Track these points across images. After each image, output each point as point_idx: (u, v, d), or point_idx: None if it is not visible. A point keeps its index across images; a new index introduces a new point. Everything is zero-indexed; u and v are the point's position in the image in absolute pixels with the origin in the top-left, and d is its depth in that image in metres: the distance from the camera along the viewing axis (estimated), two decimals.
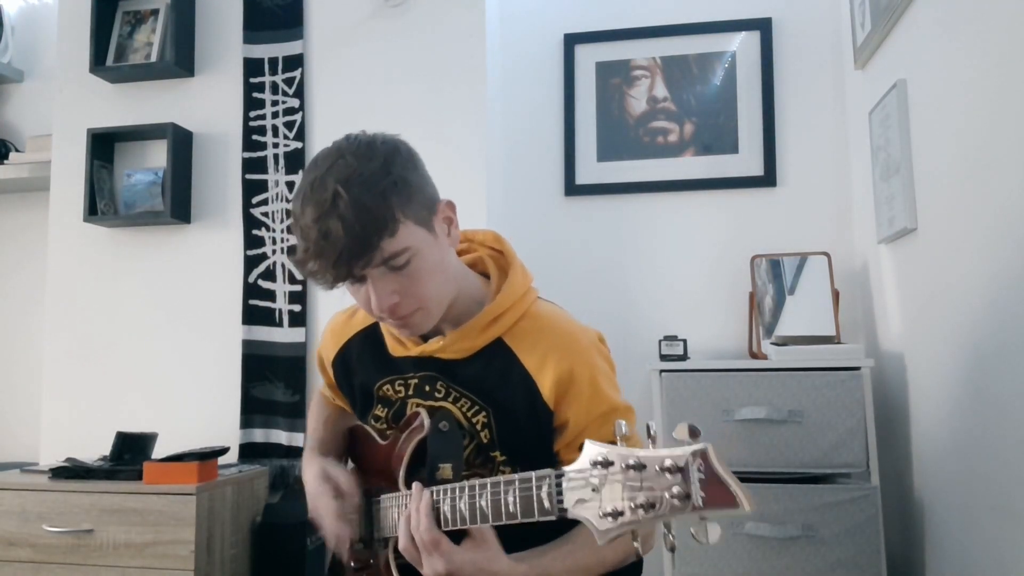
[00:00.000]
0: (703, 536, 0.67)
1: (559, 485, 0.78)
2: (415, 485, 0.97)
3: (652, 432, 0.71)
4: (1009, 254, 1.34)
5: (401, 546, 0.96)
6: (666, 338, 2.18)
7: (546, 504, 0.80)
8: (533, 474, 0.83)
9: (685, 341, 2.16)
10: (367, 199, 0.92)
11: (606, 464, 0.73)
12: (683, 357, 2.14)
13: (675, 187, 2.42)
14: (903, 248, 1.88)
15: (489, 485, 0.89)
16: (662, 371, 2.01)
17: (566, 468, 0.78)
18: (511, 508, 0.85)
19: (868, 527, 1.82)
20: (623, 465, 0.71)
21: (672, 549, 0.68)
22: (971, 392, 1.52)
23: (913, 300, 1.84)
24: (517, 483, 0.85)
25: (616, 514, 0.71)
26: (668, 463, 0.68)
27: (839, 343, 2.10)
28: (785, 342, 2.08)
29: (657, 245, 2.43)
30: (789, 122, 2.40)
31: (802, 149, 2.39)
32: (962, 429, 1.57)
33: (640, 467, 0.70)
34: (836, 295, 2.17)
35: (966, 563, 1.57)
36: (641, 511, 0.68)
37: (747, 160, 2.40)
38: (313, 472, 1.19)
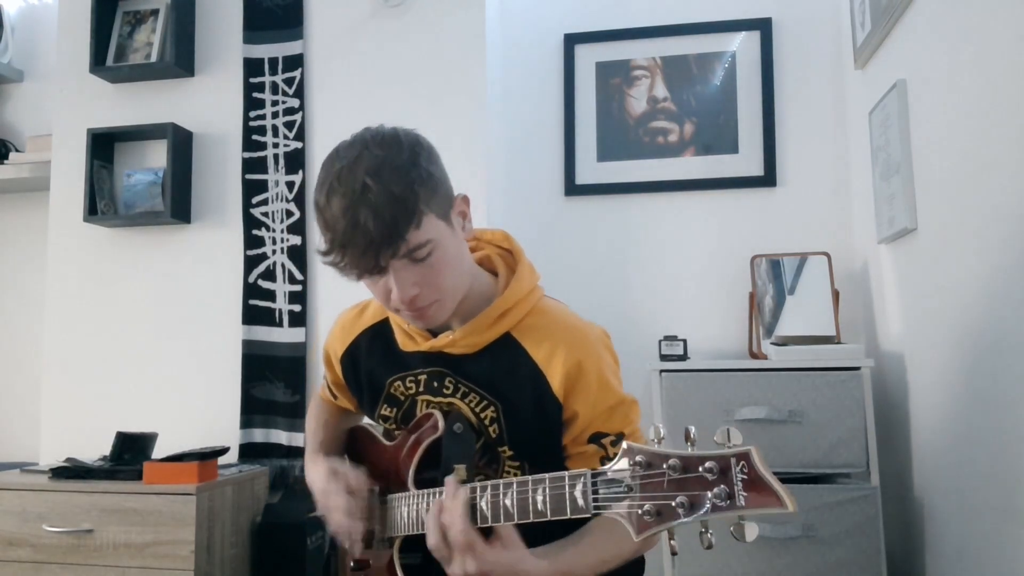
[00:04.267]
0: (740, 535, 0.69)
1: (595, 484, 0.80)
2: (449, 481, 0.95)
3: (692, 436, 0.74)
4: (1009, 254, 1.34)
5: (431, 543, 0.94)
6: (666, 338, 2.18)
7: (580, 502, 0.81)
8: (566, 473, 0.84)
9: (685, 341, 2.16)
10: (397, 189, 0.93)
11: (647, 465, 0.75)
12: (683, 357, 2.14)
13: (675, 187, 2.42)
14: (903, 248, 1.88)
15: (515, 484, 0.89)
16: (662, 371, 2.01)
17: (603, 467, 0.80)
18: (539, 507, 0.85)
19: (868, 527, 1.82)
20: (664, 466, 0.73)
21: (709, 547, 0.71)
22: (971, 392, 1.52)
23: (913, 300, 1.84)
24: (548, 481, 0.85)
25: (656, 513, 0.73)
26: (710, 464, 0.70)
27: (839, 343, 2.10)
28: (785, 342, 2.08)
29: (657, 245, 2.43)
30: (789, 122, 2.40)
31: (802, 149, 2.39)
32: (962, 429, 1.57)
33: (683, 468, 0.72)
34: (836, 295, 2.17)
35: (966, 563, 1.57)
36: (682, 510, 0.71)
37: (747, 160, 2.40)
38: (321, 470, 1.18)
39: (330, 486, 1.14)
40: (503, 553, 0.91)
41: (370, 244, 0.93)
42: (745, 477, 0.68)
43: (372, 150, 0.96)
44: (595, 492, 0.80)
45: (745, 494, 0.68)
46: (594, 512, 0.80)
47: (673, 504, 0.72)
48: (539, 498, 0.86)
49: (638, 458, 0.75)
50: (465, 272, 1.06)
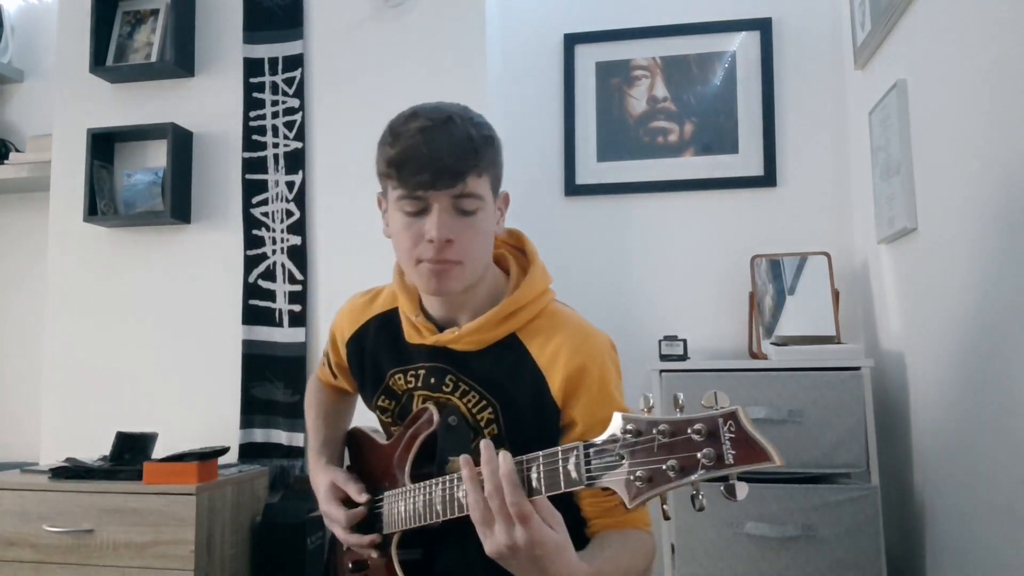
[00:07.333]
0: (731, 493, 0.69)
1: (588, 455, 0.79)
2: (485, 445, 0.86)
3: (681, 402, 0.74)
4: (1009, 254, 1.34)
5: (474, 513, 0.86)
6: (666, 338, 2.18)
7: (573, 475, 0.80)
8: (559, 448, 0.82)
9: (685, 341, 2.16)
10: (475, 132, 1.00)
11: (636, 432, 0.75)
12: (683, 357, 2.14)
13: (675, 187, 2.42)
14: (903, 248, 1.88)
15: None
16: (662, 371, 2.01)
17: (595, 439, 0.79)
18: (534, 484, 0.84)
19: (868, 527, 1.82)
20: (654, 431, 0.73)
21: (701, 509, 0.71)
22: (971, 392, 1.52)
23: (913, 300, 1.84)
24: (541, 458, 0.84)
25: (647, 479, 0.73)
26: (699, 427, 0.71)
27: (839, 343, 2.10)
28: (785, 342, 2.08)
29: (657, 245, 2.43)
30: (789, 122, 2.40)
31: (802, 149, 2.39)
32: (962, 429, 1.57)
33: (671, 433, 0.72)
34: (836, 295, 2.17)
35: (966, 563, 1.57)
36: (673, 473, 0.71)
37: (747, 160, 2.40)
38: (323, 485, 1.18)
39: (330, 506, 1.15)
40: (553, 533, 0.84)
41: (432, 163, 0.97)
42: (733, 436, 0.69)
43: (456, 106, 1.04)
44: (588, 463, 0.79)
45: (734, 452, 0.68)
46: (587, 482, 0.79)
47: (664, 468, 0.71)
48: (534, 475, 0.84)
49: (628, 426, 0.75)
50: (489, 254, 1.09)
